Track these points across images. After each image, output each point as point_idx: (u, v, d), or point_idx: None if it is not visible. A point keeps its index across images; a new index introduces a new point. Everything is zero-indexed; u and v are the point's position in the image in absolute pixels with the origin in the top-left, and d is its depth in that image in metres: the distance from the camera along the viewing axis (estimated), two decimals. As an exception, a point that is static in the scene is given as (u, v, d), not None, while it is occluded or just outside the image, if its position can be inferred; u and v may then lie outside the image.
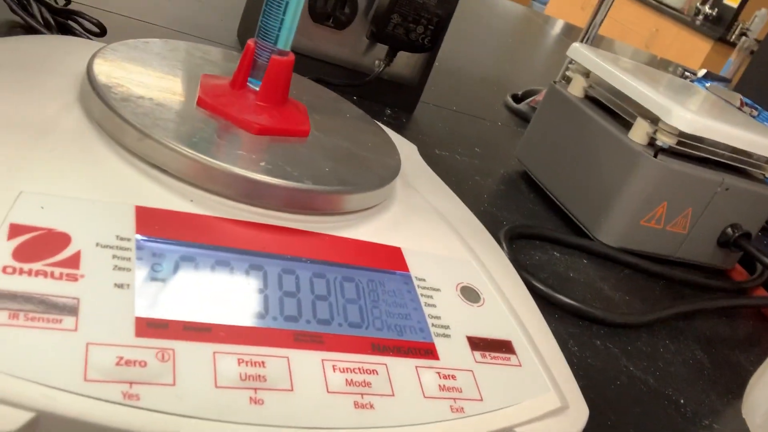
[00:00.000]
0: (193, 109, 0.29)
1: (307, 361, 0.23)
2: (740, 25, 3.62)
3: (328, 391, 0.22)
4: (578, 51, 0.59)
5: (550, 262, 0.48)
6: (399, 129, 0.61)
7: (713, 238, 0.55)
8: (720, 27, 3.61)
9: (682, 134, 0.50)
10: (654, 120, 0.51)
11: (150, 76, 0.30)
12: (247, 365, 0.21)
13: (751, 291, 0.55)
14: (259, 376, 0.21)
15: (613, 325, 0.43)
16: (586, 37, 0.83)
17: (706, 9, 3.69)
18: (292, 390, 0.22)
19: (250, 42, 0.30)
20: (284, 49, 0.30)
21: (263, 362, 0.22)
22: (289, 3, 0.29)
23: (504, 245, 0.46)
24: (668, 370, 0.41)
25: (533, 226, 0.51)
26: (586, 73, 0.58)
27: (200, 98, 0.29)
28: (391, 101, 0.64)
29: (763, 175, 0.55)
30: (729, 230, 0.54)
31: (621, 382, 0.38)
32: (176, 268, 0.23)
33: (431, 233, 0.31)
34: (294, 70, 0.31)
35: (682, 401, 0.38)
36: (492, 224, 0.49)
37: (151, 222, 0.24)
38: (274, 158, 0.28)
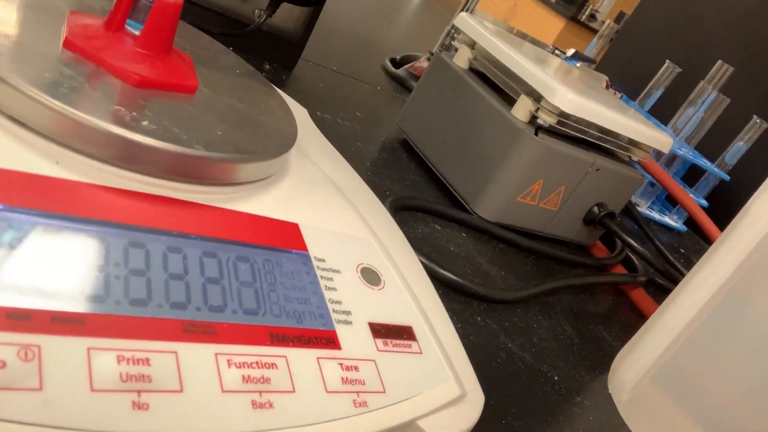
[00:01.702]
0: (58, 51, 0.24)
1: (198, 356, 0.20)
2: (590, 7, 3.84)
3: (222, 391, 0.20)
4: (465, 21, 0.58)
5: (432, 235, 0.48)
6: (279, 86, 0.57)
7: (580, 215, 0.57)
8: (573, 6, 3.81)
9: (562, 114, 0.50)
10: (537, 98, 0.51)
11: (2, 9, 0.25)
12: (128, 363, 0.18)
13: (611, 267, 0.58)
14: (143, 375, 0.18)
15: (495, 302, 0.43)
16: (466, 7, 0.82)
17: (561, -13, 3.87)
18: (181, 391, 0.19)
19: (131, -22, 0.26)
20: (171, -9, 0.26)
21: (147, 359, 0.19)
22: (181, -63, 0.25)
23: (388, 217, 0.44)
24: (542, 345, 0.42)
25: (416, 197, 0.50)
26: (472, 45, 0.57)
27: (68, 39, 0.25)
28: (271, 56, 0.60)
29: (629, 156, 0.57)
30: (595, 209, 0.57)
31: (501, 359, 0.38)
32: (40, 245, 0.19)
33: (328, 208, 0.29)
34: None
35: (556, 378, 0.39)
36: (376, 194, 0.47)
37: (8, 187, 0.20)
38: (158, 116, 0.24)
